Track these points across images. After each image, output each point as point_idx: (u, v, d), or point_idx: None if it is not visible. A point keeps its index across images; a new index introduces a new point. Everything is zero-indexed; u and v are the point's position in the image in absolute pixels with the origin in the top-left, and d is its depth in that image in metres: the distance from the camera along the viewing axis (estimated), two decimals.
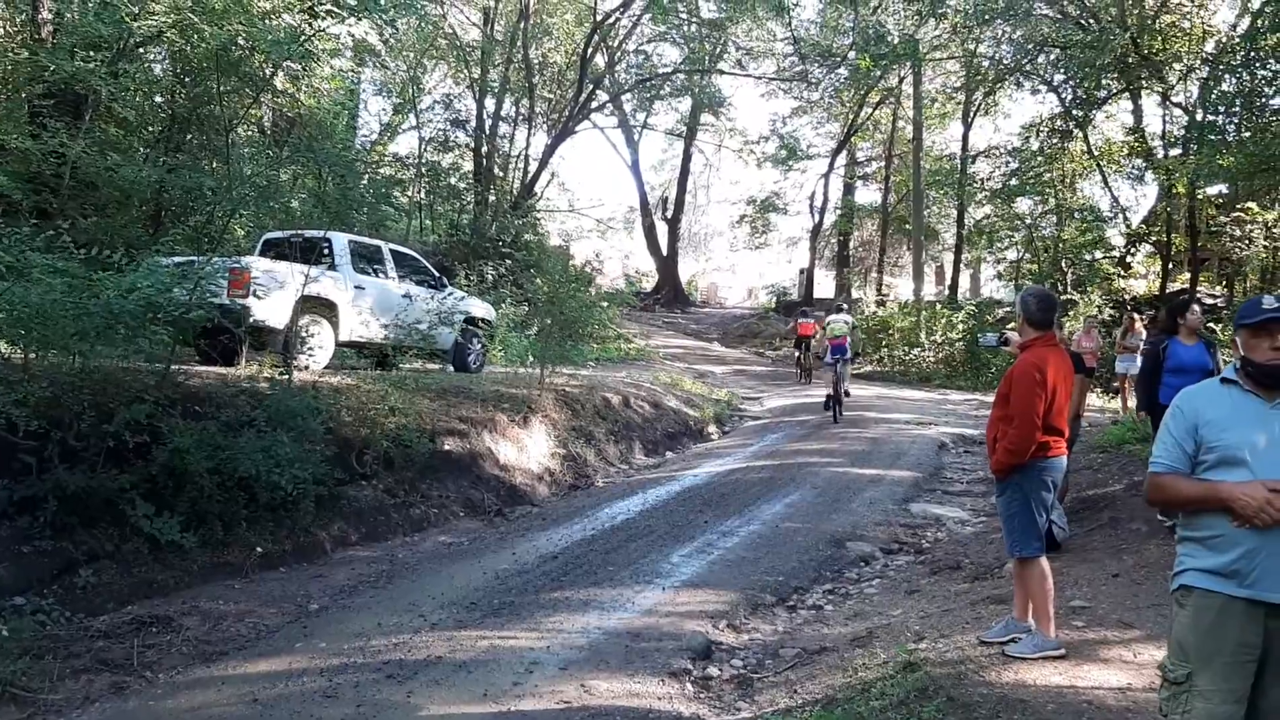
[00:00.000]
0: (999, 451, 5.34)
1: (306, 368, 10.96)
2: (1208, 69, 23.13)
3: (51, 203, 12.52)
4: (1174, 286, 26.65)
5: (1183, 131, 24.85)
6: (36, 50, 13.11)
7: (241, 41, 10.49)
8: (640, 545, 8.74)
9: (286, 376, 9.71)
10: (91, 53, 12.47)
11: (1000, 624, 5.59)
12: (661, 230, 45.62)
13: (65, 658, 6.00)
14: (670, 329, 36.28)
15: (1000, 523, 5.45)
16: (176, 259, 9.19)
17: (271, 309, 10.69)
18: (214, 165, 12.74)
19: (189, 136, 14.13)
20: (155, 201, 13.42)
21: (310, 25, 10.86)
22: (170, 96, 13.79)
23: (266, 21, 10.62)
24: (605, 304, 20.84)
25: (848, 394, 18.05)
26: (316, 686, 5.47)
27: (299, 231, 12.41)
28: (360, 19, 10.96)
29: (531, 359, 16.75)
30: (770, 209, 45.42)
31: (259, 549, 8.19)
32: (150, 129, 15.04)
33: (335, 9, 10.81)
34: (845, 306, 23.64)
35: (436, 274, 14.38)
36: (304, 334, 11.25)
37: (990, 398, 5.84)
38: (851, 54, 31.67)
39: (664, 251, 45.54)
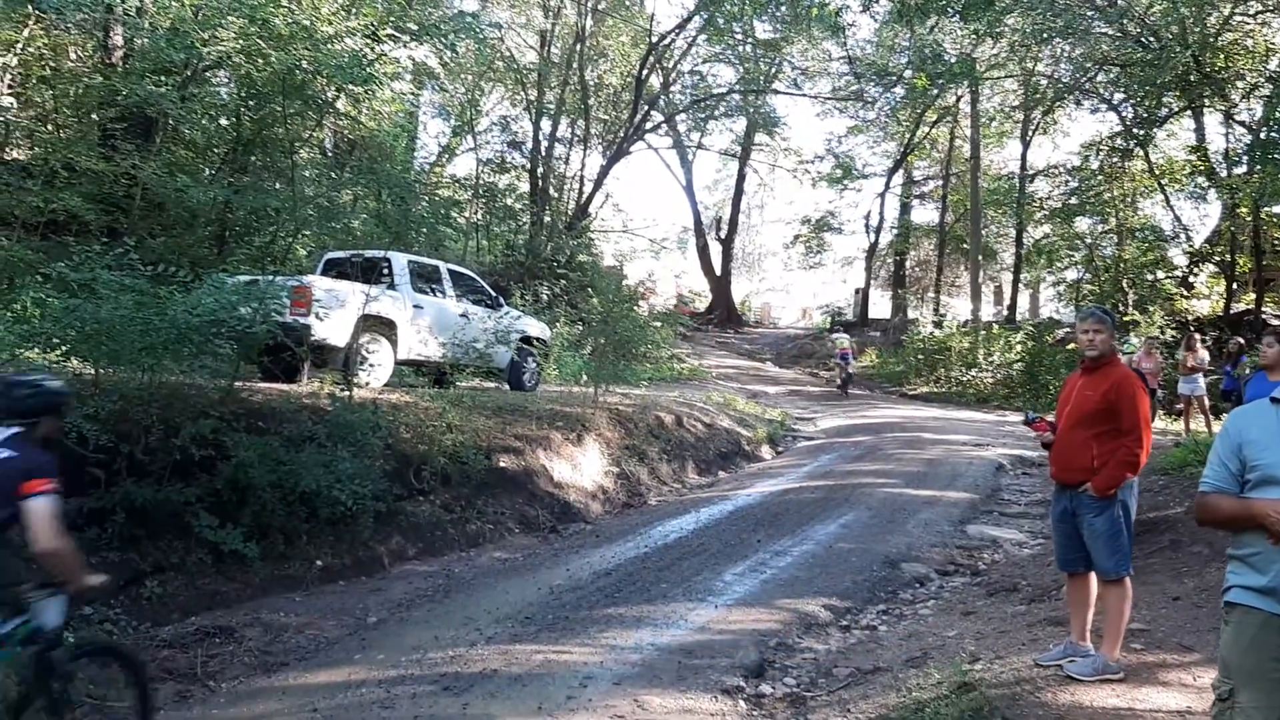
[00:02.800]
0: (1115, 466, 5.13)
1: (366, 385, 11.13)
2: (1272, 86, 22.74)
3: (122, 222, 12.87)
4: (1238, 307, 26.16)
5: (1246, 150, 24.43)
6: (109, 75, 13.51)
7: (306, 66, 10.73)
8: (693, 563, 8.75)
9: (347, 393, 9.87)
10: (162, 77, 12.82)
11: (1059, 647, 5.52)
12: (715, 250, 45.60)
13: None
14: (723, 349, 36.22)
15: (1097, 544, 5.19)
16: (242, 278, 9.40)
17: (333, 327, 10.86)
18: (278, 186, 13.01)
19: (253, 158, 14.45)
20: (221, 221, 13.74)
21: (372, 49, 11.10)
22: (236, 119, 14.12)
23: (330, 46, 10.85)
24: (658, 324, 20.95)
25: (851, 379, 27.84)
26: (375, 697, 5.56)
27: (359, 251, 12.63)
28: (421, 43, 11.16)
29: (585, 378, 16.84)
30: (825, 229, 45.25)
31: (319, 562, 8.35)
32: (216, 151, 15.42)
33: (397, 34, 11.04)
34: (842, 329, 32.67)
35: (493, 293, 14.54)
36: (364, 352, 11.43)
37: (1048, 418, 5.70)
38: (908, 73, 31.60)
39: (717, 272, 45.51)
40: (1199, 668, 5.23)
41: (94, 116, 14.28)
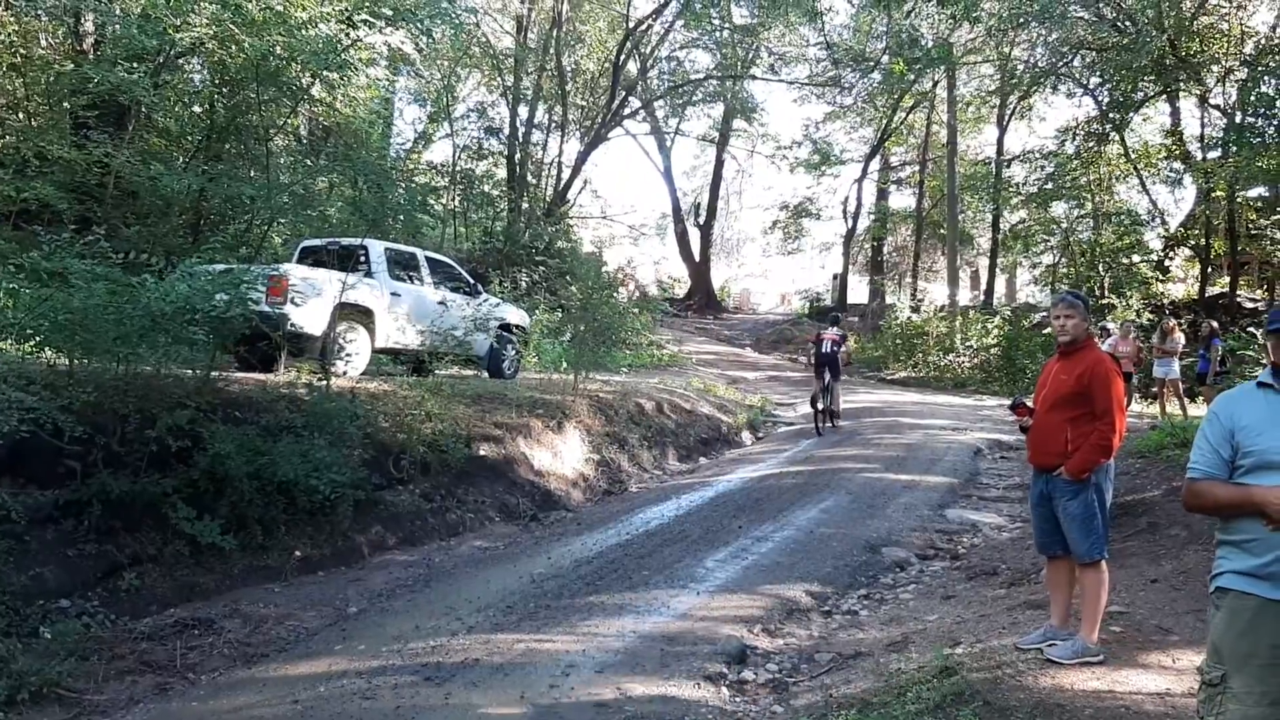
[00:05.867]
0: (1088, 450, 5.17)
1: (344, 374, 11.06)
2: (1246, 71, 22.88)
3: (95, 211, 12.73)
4: (1213, 290, 26.37)
5: (1221, 134, 24.60)
6: (80, 62, 13.33)
7: (280, 51, 10.62)
8: (674, 550, 8.75)
9: (324, 383, 9.80)
10: (134, 64, 12.66)
11: (1039, 630, 5.55)
12: (694, 236, 45.55)
13: (110, 659, 6.12)
14: (703, 335, 36.23)
15: (1072, 528, 5.24)
16: (217, 266, 9.31)
17: (309, 316, 10.78)
18: (252, 174, 12.90)
19: (227, 146, 14.31)
20: (195, 210, 13.60)
21: (347, 35, 11.00)
22: (209, 106, 13.97)
23: (304, 31, 10.73)
24: (637, 310, 20.92)
25: None
26: (356, 688, 5.53)
27: (336, 239, 12.53)
28: (396, 28, 11.06)
29: (565, 365, 16.82)
30: (803, 214, 45.22)
31: (298, 553, 8.30)
32: (190, 139, 15.26)
33: (372, 19, 10.94)
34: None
35: (471, 281, 14.47)
36: (341, 340, 11.36)
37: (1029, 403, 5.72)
38: (885, 58, 31.61)
39: (696, 258, 45.47)
40: (1178, 649, 5.28)
41: (65, 104, 14.11)
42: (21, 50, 14.10)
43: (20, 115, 14.53)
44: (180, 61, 14.43)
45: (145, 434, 7.64)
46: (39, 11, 14.30)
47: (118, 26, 13.38)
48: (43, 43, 15.11)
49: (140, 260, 8.33)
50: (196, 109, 15.04)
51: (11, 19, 13.14)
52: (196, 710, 5.42)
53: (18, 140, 13.19)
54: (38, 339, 7.93)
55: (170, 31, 11.38)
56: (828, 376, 15.93)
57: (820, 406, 15.97)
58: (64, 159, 12.49)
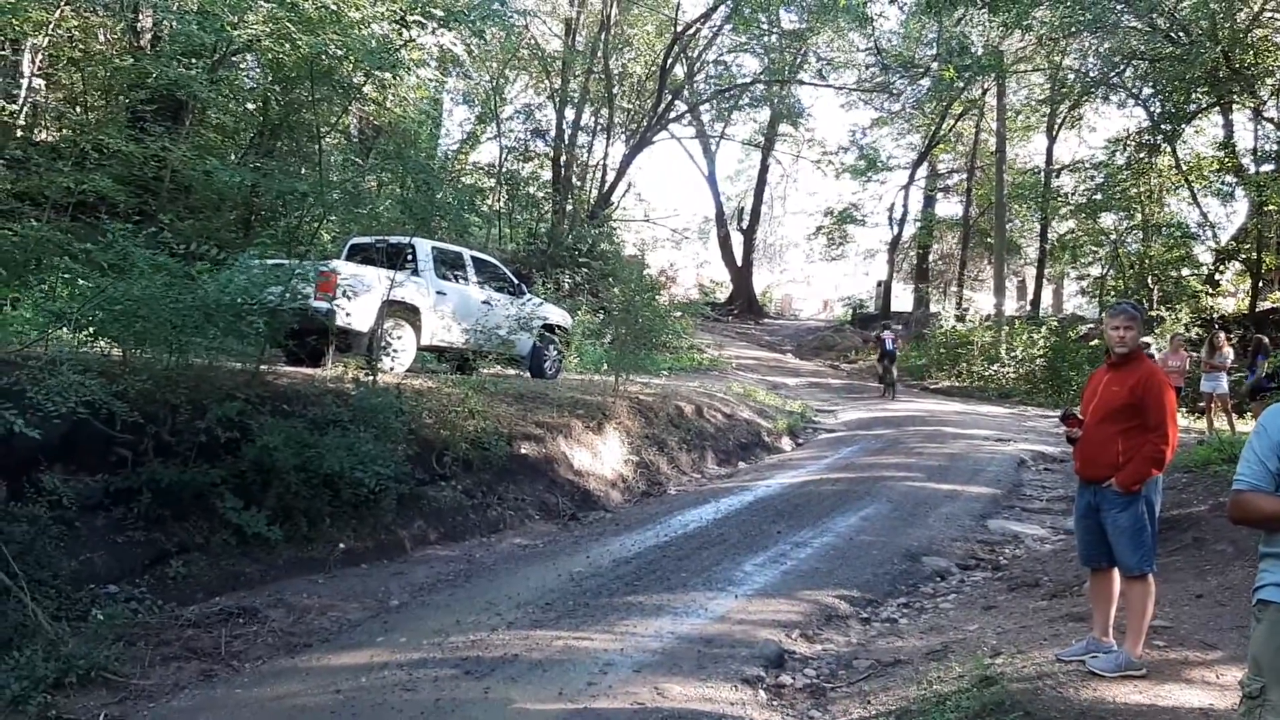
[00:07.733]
0: (1140, 462, 5.14)
1: (390, 370, 11.16)
2: None
3: (150, 204, 12.93)
4: (1264, 305, 25.95)
5: (1275, 147, 24.23)
6: (139, 57, 13.57)
7: (334, 50, 10.73)
8: (713, 553, 8.76)
9: (371, 378, 9.90)
10: (192, 60, 12.86)
11: (1080, 643, 5.51)
12: (736, 241, 45.48)
13: (156, 645, 6.22)
14: (743, 340, 36.14)
15: (1121, 540, 5.21)
16: (269, 261, 9.43)
17: (357, 312, 10.88)
18: (304, 171, 13.04)
19: (279, 143, 14.49)
20: (247, 205, 13.78)
21: (400, 35, 11.10)
22: (263, 103, 14.14)
23: (358, 31, 10.84)
24: (679, 314, 20.95)
25: None
26: (397, 680, 5.59)
27: (384, 237, 12.65)
28: (449, 29, 11.14)
29: (606, 367, 16.86)
30: (848, 220, 45.04)
31: (342, 545, 8.39)
32: (244, 135, 15.48)
33: (424, 19, 11.02)
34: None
35: (515, 281, 14.54)
36: (388, 337, 11.46)
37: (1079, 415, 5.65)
38: (934, 65, 31.40)
39: (739, 262, 45.36)
40: (1222, 665, 5.21)
41: (123, 98, 14.36)
42: (81, 45, 14.36)
43: (78, 109, 14.81)
44: (236, 58, 14.63)
45: (195, 424, 7.76)
46: (98, 7, 14.54)
47: (175, 23, 13.61)
48: (100, 38, 15.38)
49: (197, 252, 8.41)
50: (250, 106, 15.25)
51: (72, 14, 13.38)
52: (240, 697, 5.50)
53: (75, 134, 13.43)
54: (92, 329, 8.07)
55: (227, 28, 11.54)
56: (889, 364, 24.91)
57: (886, 382, 24.76)
58: (121, 152, 12.69)
